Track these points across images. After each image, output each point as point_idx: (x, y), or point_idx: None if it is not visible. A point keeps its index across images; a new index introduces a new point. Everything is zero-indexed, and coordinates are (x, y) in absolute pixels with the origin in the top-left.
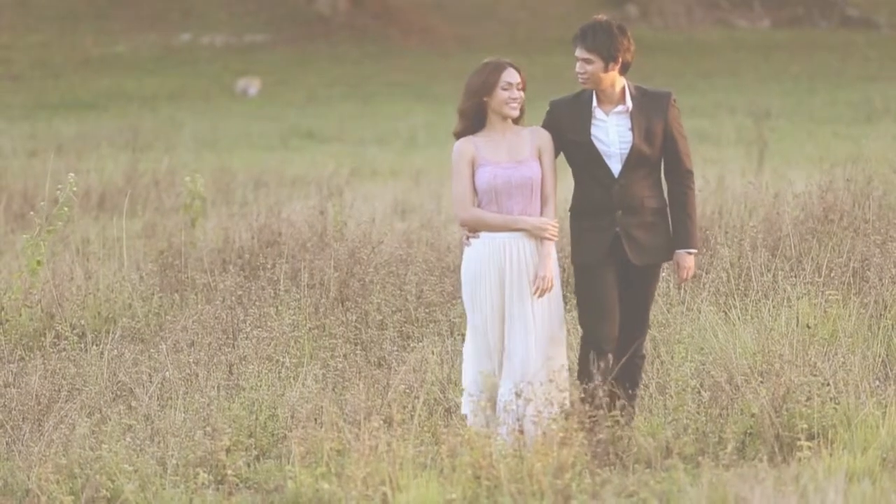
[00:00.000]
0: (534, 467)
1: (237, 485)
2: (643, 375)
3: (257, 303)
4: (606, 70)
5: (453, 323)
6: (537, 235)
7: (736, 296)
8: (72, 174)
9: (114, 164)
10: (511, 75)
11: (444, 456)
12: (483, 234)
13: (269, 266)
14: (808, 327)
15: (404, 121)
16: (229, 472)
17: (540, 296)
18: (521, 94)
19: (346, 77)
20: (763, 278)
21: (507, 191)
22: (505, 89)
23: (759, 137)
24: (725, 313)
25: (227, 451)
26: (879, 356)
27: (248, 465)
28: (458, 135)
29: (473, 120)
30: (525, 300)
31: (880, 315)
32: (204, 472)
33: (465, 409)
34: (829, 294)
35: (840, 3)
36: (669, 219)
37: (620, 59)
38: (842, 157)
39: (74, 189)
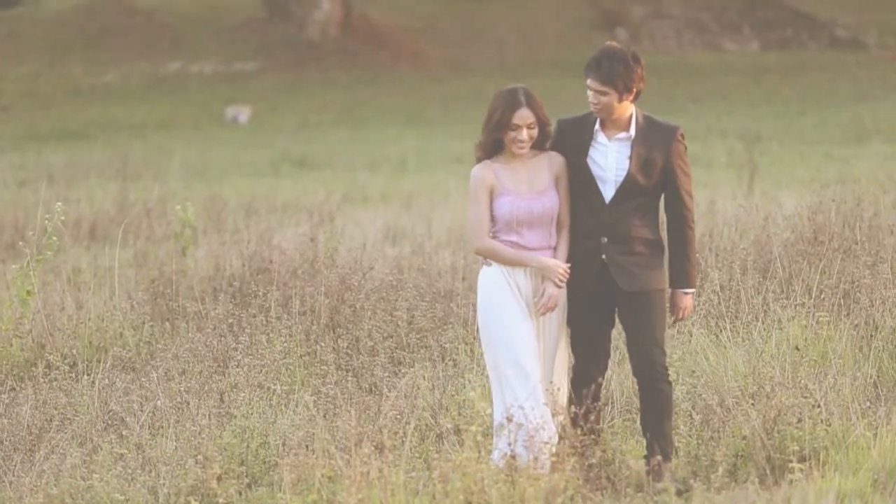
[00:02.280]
0: (525, 492)
1: None
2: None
3: (248, 330)
4: (620, 101)
5: (444, 348)
6: (547, 276)
7: (727, 318)
8: (60, 203)
9: (104, 194)
10: (521, 116)
11: (435, 482)
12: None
13: (260, 293)
14: (798, 349)
15: (395, 146)
16: (221, 500)
17: (542, 313)
18: (532, 132)
19: (336, 103)
20: (754, 300)
21: (529, 221)
22: (513, 130)
23: (749, 160)
24: (716, 336)
25: (219, 479)
26: (870, 378)
27: (240, 493)
28: (479, 161)
29: (491, 151)
30: (538, 327)
31: (871, 336)
32: (195, 500)
33: (516, 444)
34: (820, 316)
35: (829, 25)
36: (665, 254)
37: (635, 90)
38: (832, 179)
39: (63, 218)
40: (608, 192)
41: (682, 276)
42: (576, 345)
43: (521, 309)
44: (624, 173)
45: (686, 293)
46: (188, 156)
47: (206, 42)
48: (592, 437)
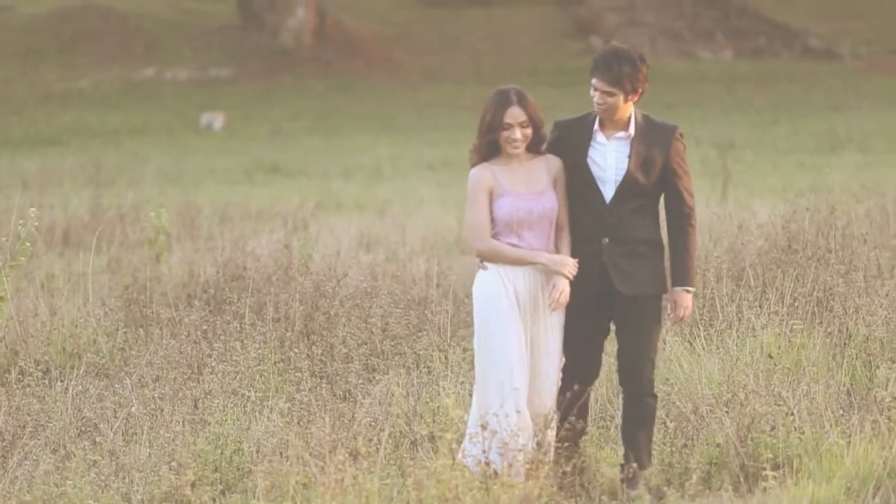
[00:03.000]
0: (500, 499)
1: None
2: (662, 420)
3: (222, 337)
4: (626, 101)
5: (419, 355)
6: (555, 272)
7: (701, 326)
8: (33, 209)
9: (77, 200)
10: (512, 115)
11: (410, 489)
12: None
13: (234, 300)
14: (771, 357)
15: (369, 153)
16: None
17: (555, 308)
18: (526, 132)
19: (310, 110)
20: (727, 308)
21: (528, 222)
22: (506, 129)
23: (722, 168)
24: (690, 343)
25: (193, 485)
26: (843, 385)
27: (214, 500)
28: (475, 165)
29: (487, 154)
30: (545, 330)
31: (844, 344)
32: None
33: (467, 455)
34: (794, 324)
35: (802, 34)
36: (666, 254)
37: (640, 91)
38: (805, 187)
39: (36, 224)
40: (608, 192)
41: (684, 274)
42: (567, 351)
43: (514, 315)
44: (623, 172)
45: (688, 291)
46: (162, 162)
47: (180, 48)
48: (567, 444)
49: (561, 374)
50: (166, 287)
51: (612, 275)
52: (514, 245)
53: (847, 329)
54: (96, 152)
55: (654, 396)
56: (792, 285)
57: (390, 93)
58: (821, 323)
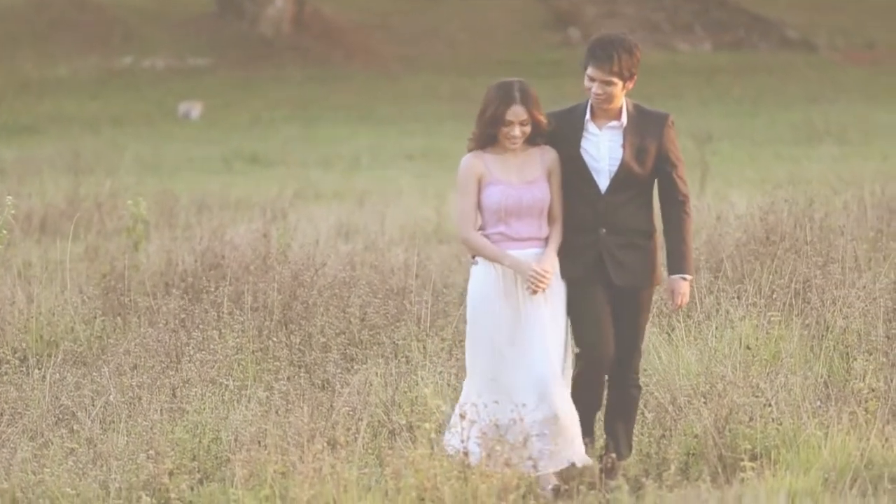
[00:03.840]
0: (478, 489)
1: None
2: (640, 410)
3: (200, 326)
4: (623, 89)
5: (397, 345)
6: (522, 276)
7: (679, 317)
8: (10, 197)
9: (55, 188)
10: (514, 113)
11: (388, 478)
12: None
13: (212, 289)
14: (749, 348)
15: (348, 143)
16: (172, 495)
17: (533, 292)
18: (525, 129)
19: (289, 100)
20: (706, 300)
21: (518, 212)
22: (506, 126)
23: (701, 160)
24: (668, 334)
25: (171, 474)
26: (821, 377)
27: (192, 489)
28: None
29: (485, 144)
30: (538, 318)
31: (822, 336)
32: (147, 495)
33: (451, 441)
34: (772, 315)
35: (780, 26)
36: (662, 243)
37: (635, 77)
38: (783, 179)
39: (13, 212)
40: (603, 182)
41: (681, 262)
42: (584, 331)
43: (503, 311)
44: (618, 162)
45: (685, 279)
46: (140, 151)
47: (158, 37)
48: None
49: (567, 366)
50: (144, 275)
51: (609, 266)
52: (502, 234)
53: (825, 321)
54: (74, 141)
55: (639, 388)
56: (770, 277)
57: (369, 82)
58: (798, 315)
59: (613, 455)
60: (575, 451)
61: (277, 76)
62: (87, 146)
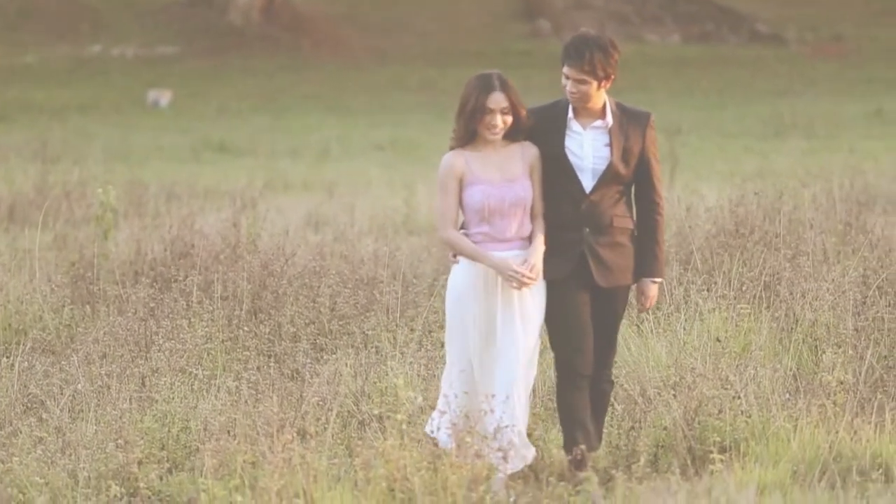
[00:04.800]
0: (448, 480)
1: (149, 498)
2: (610, 403)
3: (170, 315)
4: (598, 88)
5: (367, 335)
6: (502, 275)
7: (649, 309)
8: None
9: (23, 176)
10: (495, 100)
11: (358, 468)
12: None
13: (181, 278)
14: (719, 341)
15: (317, 133)
16: (141, 484)
17: (519, 287)
18: (506, 118)
19: (258, 89)
20: (675, 292)
21: (500, 211)
22: (487, 114)
23: (670, 152)
24: (638, 326)
25: (140, 463)
26: (790, 370)
27: (161, 478)
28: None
29: (467, 139)
30: (512, 321)
31: (791, 329)
32: (116, 484)
33: (439, 431)
34: (741, 308)
35: (749, 19)
36: (636, 243)
37: (612, 77)
38: (752, 172)
39: None
40: (587, 182)
41: (652, 264)
42: (557, 340)
43: (479, 308)
44: (602, 162)
45: (654, 282)
46: (109, 139)
47: (127, 25)
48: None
49: (533, 361)
50: (113, 264)
51: (592, 266)
52: (485, 234)
53: (794, 313)
54: (43, 129)
55: (611, 383)
56: (739, 269)
57: (338, 73)
58: (768, 307)
59: (583, 447)
60: (531, 452)
61: (247, 66)
62: (56, 134)
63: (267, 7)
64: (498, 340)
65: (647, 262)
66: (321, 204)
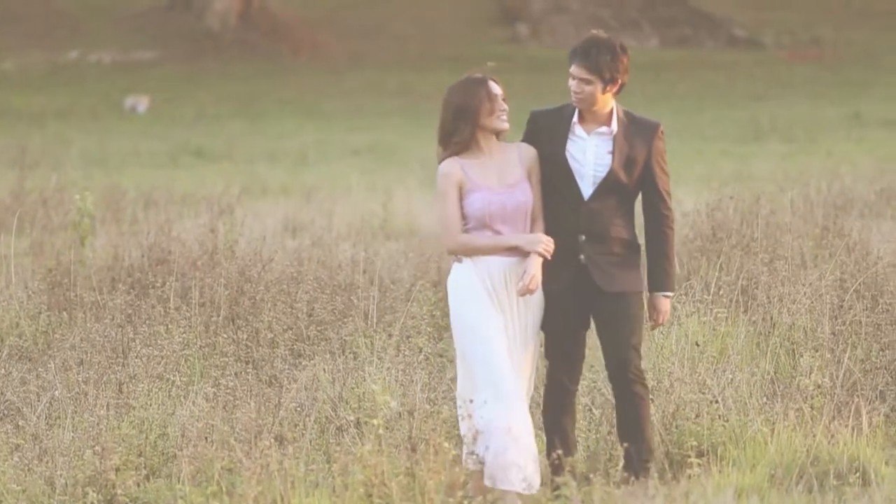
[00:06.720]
0: (426, 485)
1: None
2: (649, 412)
3: (147, 321)
4: (604, 92)
5: (345, 341)
6: (530, 251)
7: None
8: None
9: (1, 182)
10: (495, 87)
11: (335, 474)
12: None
13: (159, 284)
14: (697, 345)
15: (294, 138)
16: (119, 491)
17: (523, 293)
18: (507, 105)
19: (235, 94)
20: None
21: (502, 217)
22: (493, 101)
23: None
24: None
25: (117, 470)
26: (767, 374)
27: (138, 485)
28: (444, 159)
29: (463, 148)
30: (521, 319)
31: (768, 333)
32: (93, 491)
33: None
34: (718, 312)
35: (727, 24)
36: (644, 257)
37: (620, 82)
38: (730, 176)
39: None
40: (586, 188)
41: (663, 278)
42: (550, 349)
43: (492, 307)
44: (603, 169)
45: (666, 297)
46: (86, 145)
47: (104, 31)
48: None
49: (534, 371)
50: (90, 270)
51: (593, 272)
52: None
53: (771, 318)
54: (21, 135)
55: (645, 386)
56: (717, 274)
57: (316, 78)
58: (745, 311)
59: (559, 451)
60: (526, 476)
61: (224, 71)
62: (33, 140)
63: (244, 12)
64: (515, 340)
65: (658, 276)
66: (299, 209)
